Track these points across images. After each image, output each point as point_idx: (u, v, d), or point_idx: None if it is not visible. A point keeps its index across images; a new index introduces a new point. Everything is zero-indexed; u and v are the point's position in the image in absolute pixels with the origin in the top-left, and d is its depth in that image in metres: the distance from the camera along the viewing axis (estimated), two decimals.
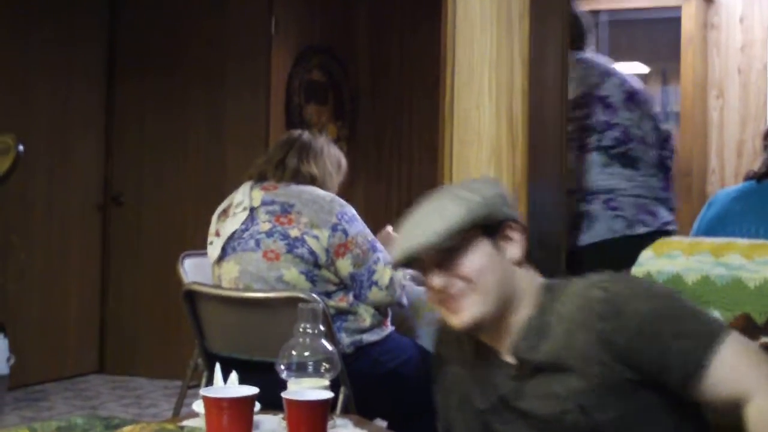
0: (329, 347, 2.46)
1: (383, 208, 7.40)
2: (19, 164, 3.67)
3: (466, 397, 2.17)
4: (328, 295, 3.55)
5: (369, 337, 3.61)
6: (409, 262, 2.09)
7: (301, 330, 2.46)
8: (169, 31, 7.22)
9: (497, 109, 2.68)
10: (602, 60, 4.13)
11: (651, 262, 2.39)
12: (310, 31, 7.37)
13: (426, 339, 3.86)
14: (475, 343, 2.15)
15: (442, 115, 3.14)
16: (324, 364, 2.43)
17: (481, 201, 2.05)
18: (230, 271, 3.64)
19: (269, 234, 3.58)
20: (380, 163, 7.56)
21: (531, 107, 2.67)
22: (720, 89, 6.24)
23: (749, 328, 2.16)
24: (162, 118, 7.24)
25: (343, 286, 3.60)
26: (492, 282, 2.03)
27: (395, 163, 7.55)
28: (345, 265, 3.56)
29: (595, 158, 3.72)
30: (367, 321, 3.61)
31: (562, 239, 3.25)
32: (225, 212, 3.75)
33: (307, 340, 2.45)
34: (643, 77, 6.56)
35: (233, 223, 3.67)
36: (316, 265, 3.54)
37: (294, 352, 2.44)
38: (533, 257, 2.13)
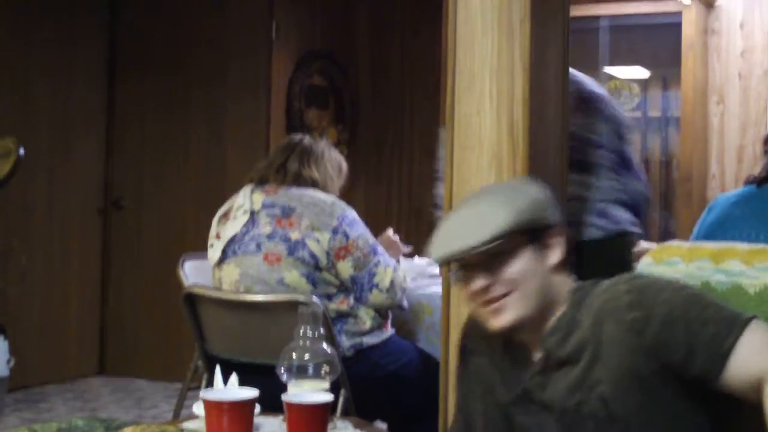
0: (329, 350, 2.47)
1: (384, 211, 7.40)
2: (20, 168, 3.67)
3: (489, 389, 2.19)
4: (329, 297, 3.56)
5: (369, 340, 3.62)
6: (451, 261, 2.11)
7: (301, 333, 2.46)
8: (169, 33, 7.23)
9: (498, 115, 2.69)
10: None
11: (650, 269, 2.40)
12: (310, 35, 7.38)
13: (426, 342, 3.87)
14: (504, 340, 2.17)
15: (443, 121, 3.15)
16: (324, 366, 2.44)
17: (528, 206, 2.07)
18: (231, 273, 3.65)
19: (270, 237, 3.59)
20: (381, 166, 7.57)
21: (532, 112, 2.68)
22: (720, 95, 6.24)
23: None
24: (163, 122, 7.25)
25: (343, 288, 3.61)
26: (532, 287, 2.06)
27: (396, 166, 7.56)
28: (346, 268, 3.57)
29: None
30: (368, 324, 3.62)
31: None
32: (226, 215, 3.76)
33: (308, 342, 2.45)
34: (644, 82, 6.57)
35: (234, 226, 3.67)
36: (317, 267, 3.55)
37: (294, 355, 2.44)
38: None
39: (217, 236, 3.74)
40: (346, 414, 3.35)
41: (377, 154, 7.60)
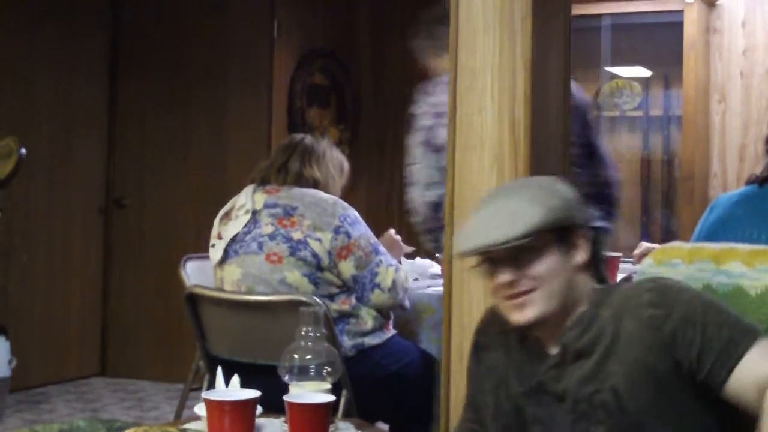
0: (331, 350, 2.47)
1: (385, 211, 7.39)
2: (21, 167, 3.67)
3: (502, 382, 2.21)
4: (331, 297, 3.56)
5: (371, 340, 3.62)
6: (478, 253, 2.12)
7: (302, 333, 2.46)
8: (171, 32, 7.23)
9: (499, 114, 2.68)
10: None
11: (651, 271, 2.39)
12: (312, 34, 7.37)
13: (428, 342, 3.86)
14: (520, 336, 2.20)
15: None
16: (326, 367, 2.43)
17: (559, 205, 2.10)
18: (232, 273, 3.64)
19: (272, 237, 3.58)
20: (382, 165, 7.56)
21: (533, 112, 2.67)
22: (722, 93, 6.24)
23: None
24: (164, 121, 7.25)
25: (345, 288, 3.61)
26: (557, 285, 2.09)
27: (397, 166, 7.53)
28: (347, 268, 3.57)
29: None
30: (369, 324, 3.62)
31: None
32: (227, 215, 3.75)
33: (309, 343, 2.45)
34: (646, 81, 6.56)
35: (236, 225, 3.67)
36: (319, 267, 3.54)
37: (296, 356, 2.44)
38: None
39: (219, 236, 3.74)
40: (347, 415, 3.34)
41: (379, 153, 7.59)
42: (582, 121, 3.78)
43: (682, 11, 6.08)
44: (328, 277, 3.56)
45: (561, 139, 2.90)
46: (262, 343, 3.48)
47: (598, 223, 3.71)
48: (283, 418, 2.33)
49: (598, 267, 2.20)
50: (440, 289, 3.19)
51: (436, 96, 3.44)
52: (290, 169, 3.74)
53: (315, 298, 3.43)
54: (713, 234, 3.10)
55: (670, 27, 6.20)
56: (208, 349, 3.76)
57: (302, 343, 2.45)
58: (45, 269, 6.87)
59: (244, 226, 3.65)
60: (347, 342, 3.56)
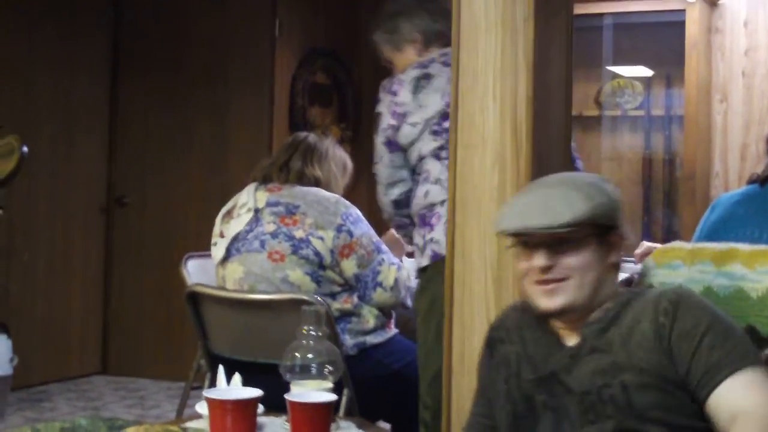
0: (332, 349, 2.47)
1: None
2: (23, 166, 3.67)
3: (515, 373, 2.25)
4: (333, 296, 3.56)
5: (373, 339, 3.62)
6: (518, 234, 2.17)
7: (304, 332, 2.46)
8: (172, 31, 7.22)
9: (501, 114, 2.68)
10: None
11: (653, 273, 2.40)
12: (314, 33, 7.37)
13: None
14: (536, 330, 2.25)
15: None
16: (327, 366, 2.44)
17: (605, 203, 2.15)
18: (235, 271, 3.64)
19: (274, 235, 3.58)
20: None
21: (535, 111, 2.67)
22: (724, 93, 6.23)
23: (755, 340, 2.17)
24: (165, 120, 7.24)
25: (347, 287, 3.61)
26: (589, 278, 2.14)
27: None
28: (350, 266, 3.58)
29: None
30: (371, 323, 3.62)
31: None
32: (229, 213, 3.75)
33: (311, 342, 2.46)
34: (647, 81, 6.56)
35: (238, 224, 3.67)
36: (321, 266, 3.54)
37: (297, 354, 2.44)
38: None
39: (221, 234, 3.74)
40: (349, 413, 3.35)
41: None
42: None
43: (684, 11, 6.07)
44: (331, 276, 3.56)
45: (563, 139, 2.90)
46: (263, 341, 3.48)
47: None
48: (284, 417, 2.33)
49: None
50: None
51: (399, 95, 3.42)
52: (292, 168, 3.74)
53: (317, 296, 3.44)
54: (714, 233, 3.10)
55: (671, 26, 6.19)
56: (210, 347, 3.76)
57: (304, 341, 2.46)
58: (46, 268, 6.87)
59: (246, 225, 3.65)
60: (349, 341, 3.56)
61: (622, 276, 3.83)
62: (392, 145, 3.45)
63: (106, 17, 7.35)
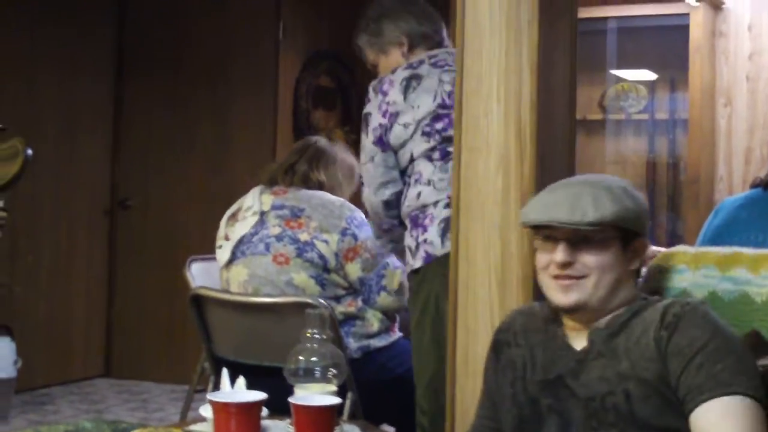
0: (336, 352, 2.47)
1: None
2: (27, 168, 3.67)
3: (521, 376, 2.25)
4: (337, 299, 3.56)
5: (376, 343, 3.62)
6: (542, 227, 2.18)
7: (308, 335, 2.46)
8: (176, 33, 7.23)
9: (506, 117, 2.68)
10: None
11: (657, 277, 2.39)
12: (317, 36, 7.38)
13: None
14: (544, 331, 2.26)
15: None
16: (331, 369, 2.44)
17: (633, 208, 2.16)
18: (239, 274, 3.65)
19: (279, 238, 3.59)
20: None
21: (539, 114, 2.67)
22: (728, 97, 6.23)
23: (760, 345, 2.16)
24: (169, 122, 7.25)
25: (352, 290, 3.61)
26: (606, 280, 2.15)
27: None
28: (354, 270, 3.58)
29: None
30: (375, 326, 3.62)
31: None
32: (234, 216, 3.76)
33: (315, 345, 2.45)
34: (651, 85, 6.55)
35: (243, 226, 3.67)
36: (326, 269, 3.55)
37: (301, 358, 2.44)
38: None
39: (226, 237, 3.74)
40: (353, 417, 3.35)
41: None
42: None
43: (687, 14, 6.07)
44: (335, 279, 3.56)
45: (567, 142, 2.90)
46: (267, 344, 3.48)
47: None
48: (288, 420, 2.33)
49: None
50: None
51: (390, 95, 3.41)
52: (297, 171, 3.75)
53: (321, 299, 3.43)
54: (718, 237, 3.10)
55: (675, 30, 6.19)
56: (214, 350, 3.76)
57: (307, 345, 2.46)
58: (50, 270, 6.88)
59: (252, 228, 3.65)
60: (353, 344, 3.56)
61: None
62: (384, 144, 3.43)
63: (110, 19, 7.35)
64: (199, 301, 3.72)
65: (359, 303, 3.61)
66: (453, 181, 2.81)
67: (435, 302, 3.24)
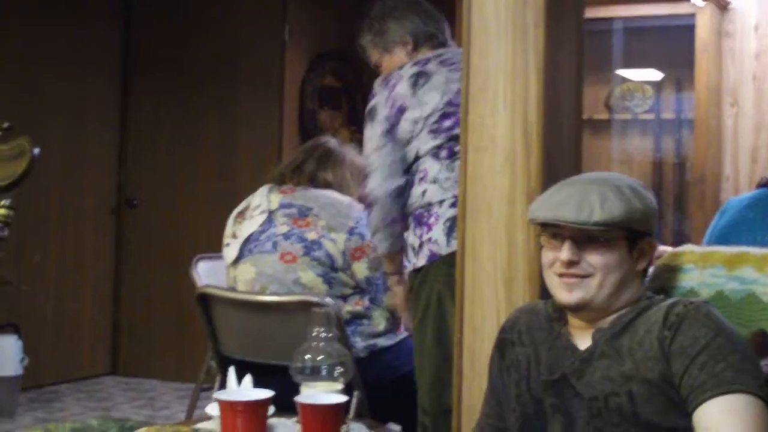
0: (343, 351, 2.47)
1: None
2: (34, 168, 3.67)
3: (525, 376, 2.26)
4: (344, 298, 3.56)
5: (383, 342, 3.62)
6: (549, 225, 2.18)
7: (314, 334, 2.47)
8: (182, 34, 7.25)
9: (512, 116, 2.68)
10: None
11: (664, 276, 2.40)
12: (323, 36, 7.38)
13: None
14: (549, 330, 2.26)
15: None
16: (337, 367, 2.44)
17: (640, 209, 2.15)
18: (246, 272, 3.65)
19: (287, 236, 3.59)
20: None
21: (546, 114, 2.67)
22: (734, 97, 6.22)
23: (766, 344, 2.17)
24: (175, 122, 7.27)
25: (359, 290, 3.61)
26: (613, 281, 2.14)
27: None
28: (361, 269, 3.58)
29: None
30: (382, 325, 3.62)
31: None
32: (242, 214, 3.76)
33: (321, 343, 2.46)
34: (657, 85, 6.55)
35: (251, 225, 3.68)
36: (333, 268, 3.55)
37: (307, 356, 2.45)
38: None
39: (234, 235, 3.74)
40: (359, 416, 3.35)
41: None
42: None
43: (693, 14, 6.06)
44: (342, 278, 3.57)
45: (574, 142, 2.90)
46: (274, 343, 3.48)
47: None
48: (295, 419, 2.34)
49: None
50: None
51: (398, 89, 3.38)
52: (305, 170, 3.75)
53: (327, 298, 3.44)
54: (725, 237, 3.10)
55: (681, 30, 6.18)
56: (220, 349, 3.77)
57: (314, 343, 2.46)
58: (57, 269, 6.89)
59: (260, 226, 3.66)
60: (359, 343, 3.56)
61: None
62: (392, 136, 3.40)
63: (117, 20, 7.37)
64: (205, 300, 3.73)
65: (366, 302, 3.61)
66: (459, 180, 2.81)
67: (437, 301, 3.24)
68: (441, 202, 3.26)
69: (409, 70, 3.42)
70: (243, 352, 3.63)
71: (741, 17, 6.21)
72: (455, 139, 3.23)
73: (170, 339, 7.15)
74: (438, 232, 3.25)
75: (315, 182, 3.74)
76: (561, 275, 2.16)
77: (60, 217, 6.91)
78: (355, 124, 7.51)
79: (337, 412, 2.23)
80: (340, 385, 2.43)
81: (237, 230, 3.73)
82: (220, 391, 2.39)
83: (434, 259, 3.25)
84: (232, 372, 2.60)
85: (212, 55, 7.17)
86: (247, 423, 2.22)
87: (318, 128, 7.08)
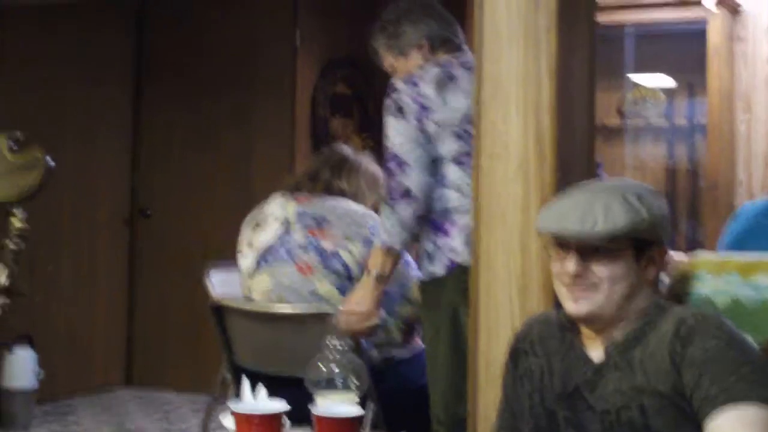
0: (357, 362, 2.46)
1: None
2: (50, 180, 3.67)
3: (538, 387, 2.25)
4: None
5: (399, 353, 3.61)
6: (554, 237, 2.17)
7: (329, 345, 2.46)
8: (195, 42, 7.25)
9: (525, 123, 2.67)
10: None
11: (680, 283, 2.38)
12: (335, 43, 7.38)
13: None
14: (562, 339, 2.25)
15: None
16: (352, 378, 2.43)
17: (647, 218, 2.12)
18: (263, 283, 3.64)
19: (303, 246, 3.58)
20: None
21: (558, 120, 2.66)
22: (747, 102, 6.19)
23: None
24: (188, 130, 7.27)
25: None
26: (619, 290, 2.12)
27: None
28: None
29: None
30: (398, 337, 3.61)
31: None
32: (257, 222, 3.75)
33: (336, 354, 2.45)
34: (670, 90, 6.54)
35: (267, 234, 3.67)
36: (349, 278, 3.54)
37: (322, 367, 2.44)
38: None
39: (249, 244, 3.73)
40: (374, 428, 3.33)
41: None
42: None
43: (705, 19, 6.05)
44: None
45: (586, 148, 2.90)
46: (288, 354, 3.47)
47: None
48: (309, 431, 2.33)
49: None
50: None
51: (422, 88, 3.31)
52: (320, 179, 3.74)
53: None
54: (739, 244, 3.08)
55: (693, 35, 6.17)
56: (234, 359, 3.76)
57: (329, 354, 2.45)
58: (71, 279, 6.90)
59: (276, 235, 3.65)
60: (375, 354, 3.55)
61: None
62: (423, 132, 3.28)
63: (129, 27, 7.38)
64: (219, 311, 3.72)
65: (382, 313, 3.60)
66: (473, 188, 2.80)
67: (454, 311, 3.21)
68: (461, 208, 3.22)
69: (432, 71, 3.35)
70: (257, 362, 3.62)
71: (753, 21, 6.19)
72: None
73: (185, 349, 7.14)
74: (458, 240, 3.21)
75: (331, 191, 3.72)
76: (567, 286, 2.15)
77: (73, 226, 6.91)
78: (366, 132, 7.52)
79: (353, 425, 2.22)
80: (354, 396, 2.42)
81: (252, 239, 3.72)
82: (235, 403, 2.37)
83: (453, 268, 3.21)
84: (246, 383, 2.59)
85: (224, 62, 7.18)
86: None
87: (330, 136, 7.08)
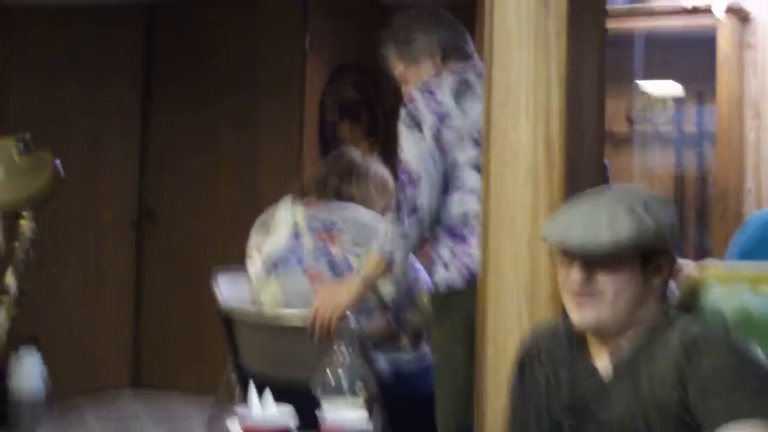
0: (365, 368, 2.46)
1: None
2: (59, 185, 3.67)
3: (545, 398, 2.24)
4: (368, 316, 3.53)
5: (406, 360, 3.60)
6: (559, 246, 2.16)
7: (337, 351, 2.45)
8: (203, 46, 7.26)
9: (534, 129, 2.67)
10: None
11: (689, 293, 2.37)
12: (343, 48, 7.38)
13: None
14: (568, 348, 2.24)
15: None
16: (360, 385, 2.42)
17: (652, 228, 2.10)
18: (272, 289, 3.63)
19: (312, 252, 3.57)
20: None
21: (568, 127, 2.66)
22: (756, 109, 6.18)
23: None
24: (196, 134, 7.27)
25: (382, 307, 3.58)
26: (625, 299, 2.12)
27: None
28: (386, 286, 3.55)
29: None
30: (405, 343, 3.60)
31: None
32: (266, 227, 3.74)
33: (343, 360, 2.44)
34: (679, 97, 6.52)
35: (276, 239, 3.66)
36: None
37: (330, 372, 2.43)
38: None
39: (258, 249, 3.73)
40: None
41: None
42: None
43: (715, 27, 6.04)
44: (367, 295, 3.53)
45: (596, 155, 2.89)
46: (295, 359, 3.46)
47: None
48: None
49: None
50: None
51: (438, 96, 3.30)
52: (329, 184, 3.73)
53: (350, 315, 3.41)
54: (748, 253, 3.08)
55: (703, 42, 6.15)
56: (241, 364, 3.75)
57: (336, 360, 2.45)
58: (77, 282, 6.90)
59: (285, 241, 3.64)
60: (383, 361, 3.54)
61: None
62: (439, 144, 3.27)
63: (137, 30, 7.39)
64: (227, 318, 3.72)
65: (390, 320, 3.59)
66: (482, 195, 2.79)
67: (470, 319, 3.18)
68: (478, 215, 3.19)
69: (448, 78, 3.33)
70: (264, 367, 3.61)
71: (762, 29, 6.18)
72: None
73: (191, 352, 7.14)
74: (475, 247, 3.16)
75: (340, 196, 3.72)
76: (572, 294, 2.14)
77: (80, 229, 6.92)
78: (374, 136, 7.51)
79: None
80: (361, 402, 2.41)
81: (261, 243, 3.72)
82: (241, 408, 2.37)
83: (471, 279, 3.14)
84: (253, 389, 2.58)
85: (233, 66, 7.18)
86: None
87: (338, 140, 7.08)
